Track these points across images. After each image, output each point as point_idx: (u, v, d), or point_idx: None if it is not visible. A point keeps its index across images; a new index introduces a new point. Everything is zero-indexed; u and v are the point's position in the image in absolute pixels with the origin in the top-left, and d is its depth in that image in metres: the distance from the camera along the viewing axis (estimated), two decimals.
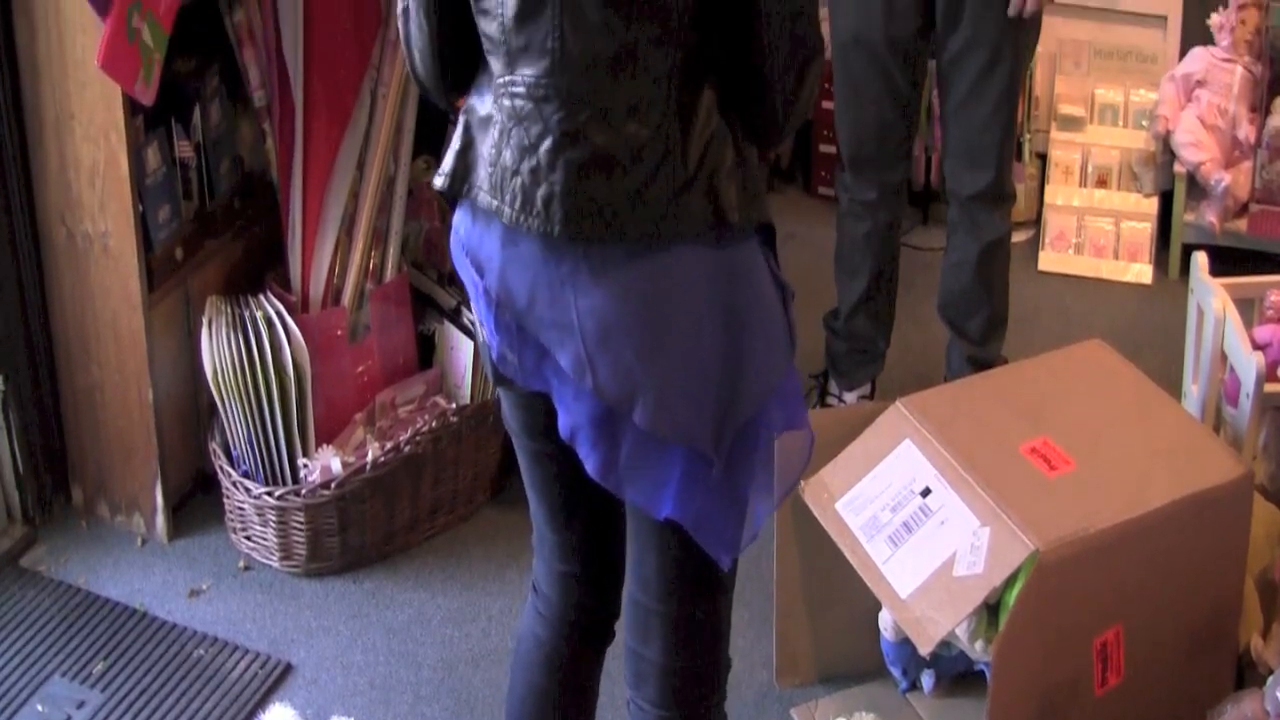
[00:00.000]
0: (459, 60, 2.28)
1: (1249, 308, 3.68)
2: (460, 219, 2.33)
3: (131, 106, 3.41)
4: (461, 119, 2.30)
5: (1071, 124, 5.16)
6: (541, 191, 2.17)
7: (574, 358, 2.23)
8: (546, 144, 2.15)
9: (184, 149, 3.65)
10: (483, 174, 2.24)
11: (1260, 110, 4.76)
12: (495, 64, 2.19)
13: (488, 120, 2.23)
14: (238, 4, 3.67)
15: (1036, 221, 5.13)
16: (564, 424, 2.30)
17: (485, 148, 2.24)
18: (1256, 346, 3.44)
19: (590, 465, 2.29)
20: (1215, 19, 4.88)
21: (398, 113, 3.82)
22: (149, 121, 3.54)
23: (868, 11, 3.70)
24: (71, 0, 3.30)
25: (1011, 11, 3.61)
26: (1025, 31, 3.72)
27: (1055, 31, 4.90)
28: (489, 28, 2.17)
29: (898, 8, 3.67)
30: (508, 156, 2.19)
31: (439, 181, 2.32)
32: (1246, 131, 4.77)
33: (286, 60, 3.68)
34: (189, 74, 3.67)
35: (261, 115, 3.77)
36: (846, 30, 3.77)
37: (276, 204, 3.81)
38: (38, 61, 3.42)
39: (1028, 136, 5.08)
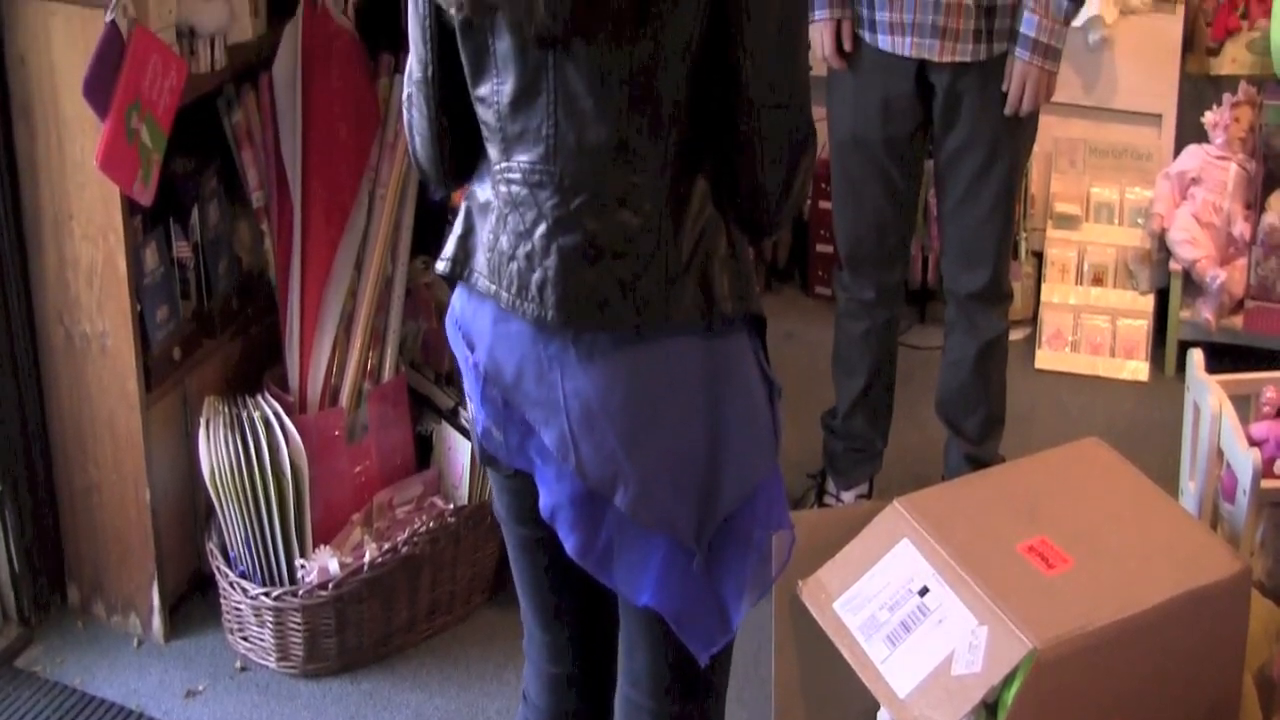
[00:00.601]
0: (460, 147, 2.31)
1: (1245, 404, 3.69)
2: (457, 297, 2.36)
3: (130, 207, 3.42)
4: (463, 205, 2.33)
5: (1067, 222, 5.18)
6: (536, 277, 2.18)
7: (558, 437, 2.23)
8: (541, 230, 2.17)
9: (182, 249, 3.66)
10: (482, 259, 2.26)
11: (1255, 207, 4.78)
12: (493, 151, 2.22)
13: (487, 206, 2.25)
14: (236, 105, 3.70)
15: (1033, 320, 5.13)
16: (545, 503, 2.31)
17: (484, 233, 2.26)
18: (1253, 443, 3.44)
19: (569, 545, 2.29)
20: (1209, 117, 4.91)
21: (395, 212, 3.84)
22: (147, 221, 3.56)
23: (865, 112, 3.72)
24: (71, 101, 3.32)
25: (1008, 111, 3.63)
26: (1022, 131, 3.74)
27: (1050, 130, 4.93)
28: (486, 115, 2.19)
29: (895, 108, 3.69)
30: (504, 242, 2.21)
31: (440, 266, 2.34)
32: (1241, 228, 4.79)
33: (285, 161, 3.70)
34: (188, 174, 3.69)
35: (260, 215, 3.79)
36: (844, 131, 3.79)
37: (274, 304, 3.82)
38: (37, 162, 3.44)
39: (1024, 235, 5.09)
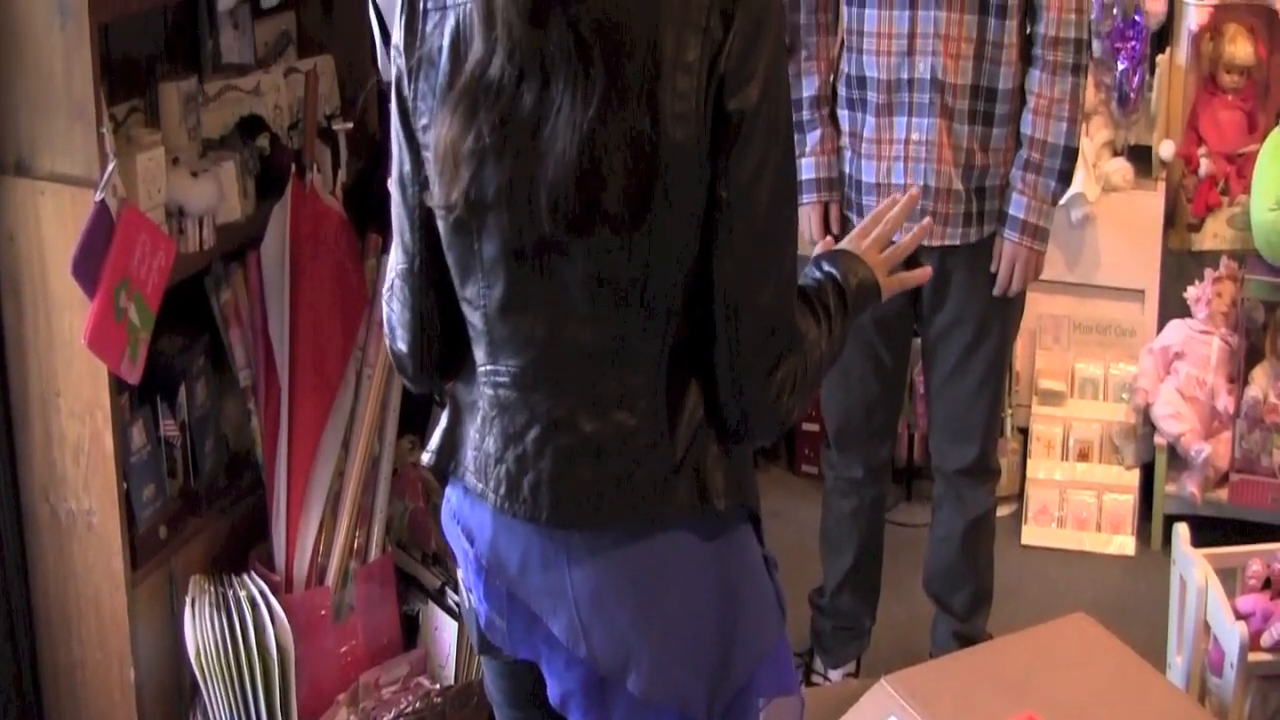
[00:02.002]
0: (445, 342, 2.30)
1: (1231, 577, 3.68)
2: (452, 490, 2.34)
3: (117, 384, 3.43)
4: (449, 397, 2.32)
5: (1052, 398, 5.20)
6: (529, 479, 2.18)
7: (567, 625, 2.22)
8: (534, 432, 2.17)
9: (169, 427, 3.66)
10: (469, 456, 2.26)
11: (1238, 380, 4.80)
12: (479, 352, 2.21)
13: (472, 405, 2.25)
14: (224, 284, 3.72)
15: (1019, 495, 5.14)
16: (554, 692, 2.29)
17: (470, 430, 2.25)
18: (1239, 616, 3.44)
19: None
20: (1192, 292, 4.95)
21: (383, 392, 3.85)
22: (135, 399, 3.56)
23: None
24: (59, 279, 3.34)
25: (997, 291, 3.66)
26: (1010, 309, 3.77)
27: (1035, 307, 4.97)
28: (472, 317, 2.19)
29: None
30: (490, 444, 2.21)
31: (426, 458, 2.34)
32: (1225, 402, 4.81)
33: (273, 340, 3.72)
34: (175, 352, 3.70)
35: (247, 394, 3.80)
36: None
37: (261, 482, 3.82)
38: (24, 339, 3.45)
39: (1009, 411, 5.11)
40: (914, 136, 3.55)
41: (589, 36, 1.99)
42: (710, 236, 2.08)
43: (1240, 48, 4.95)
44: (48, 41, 3.30)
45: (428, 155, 2.13)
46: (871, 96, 3.58)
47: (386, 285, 2.34)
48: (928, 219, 2.96)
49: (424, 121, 2.14)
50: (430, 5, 2.13)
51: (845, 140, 3.68)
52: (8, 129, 3.37)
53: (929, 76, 3.50)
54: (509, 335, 2.15)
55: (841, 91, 3.66)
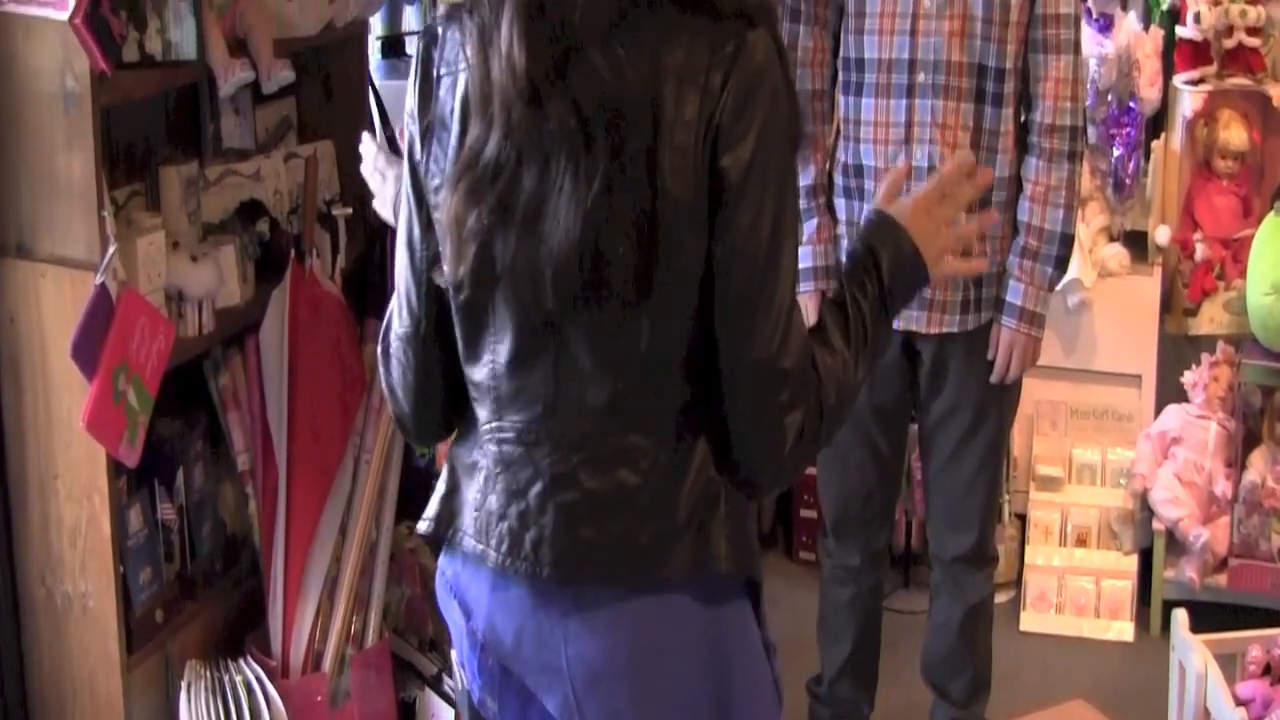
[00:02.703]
0: (446, 402, 2.30)
1: (1231, 663, 3.67)
2: (446, 562, 2.33)
3: (115, 467, 3.43)
4: (446, 464, 2.32)
5: (1050, 484, 5.19)
6: (530, 535, 2.17)
7: (562, 702, 2.21)
8: (537, 488, 2.17)
9: (167, 511, 3.66)
10: (468, 519, 2.25)
11: (1236, 465, 4.80)
12: (482, 411, 2.22)
13: (473, 466, 2.25)
14: (223, 368, 3.73)
15: (1017, 582, 5.12)
16: None
17: (470, 493, 2.25)
18: (1239, 702, 3.43)
19: None
20: (1189, 376, 4.96)
21: (380, 477, 3.85)
22: (132, 482, 3.56)
23: None
24: (59, 361, 3.34)
25: (994, 379, 3.66)
26: (1008, 395, 3.77)
27: (1032, 393, 4.97)
28: (478, 374, 2.20)
29: (882, 377, 3.70)
30: (493, 501, 2.21)
31: (423, 526, 2.33)
32: (1223, 487, 4.81)
33: (271, 424, 3.72)
34: (173, 435, 3.70)
35: (245, 478, 3.80)
36: None
37: (258, 567, 3.81)
38: (23, 420, 3.45)
39: (1007, 497, 5.10)
40: None
41: (589, 113, 2.02)
42: (710, 292, 2.09)
43: (1234, 133, 4.97)
44: (51, 125, 3.32)
45: (438, 218, 2.15)
46: (868, 185, 3.59)
47: (381, 347, 2.34)
48: (993, 210, 2.83)
49: (435, 183, 2.16)
50: (443, 70, 2.16)
51: (842, 228, 3.69)
52: (10, 211, 3.39)
53: (926, 165, 3.51)
54: (515, 391, 2.16)
55: (838, 180, 3.68)
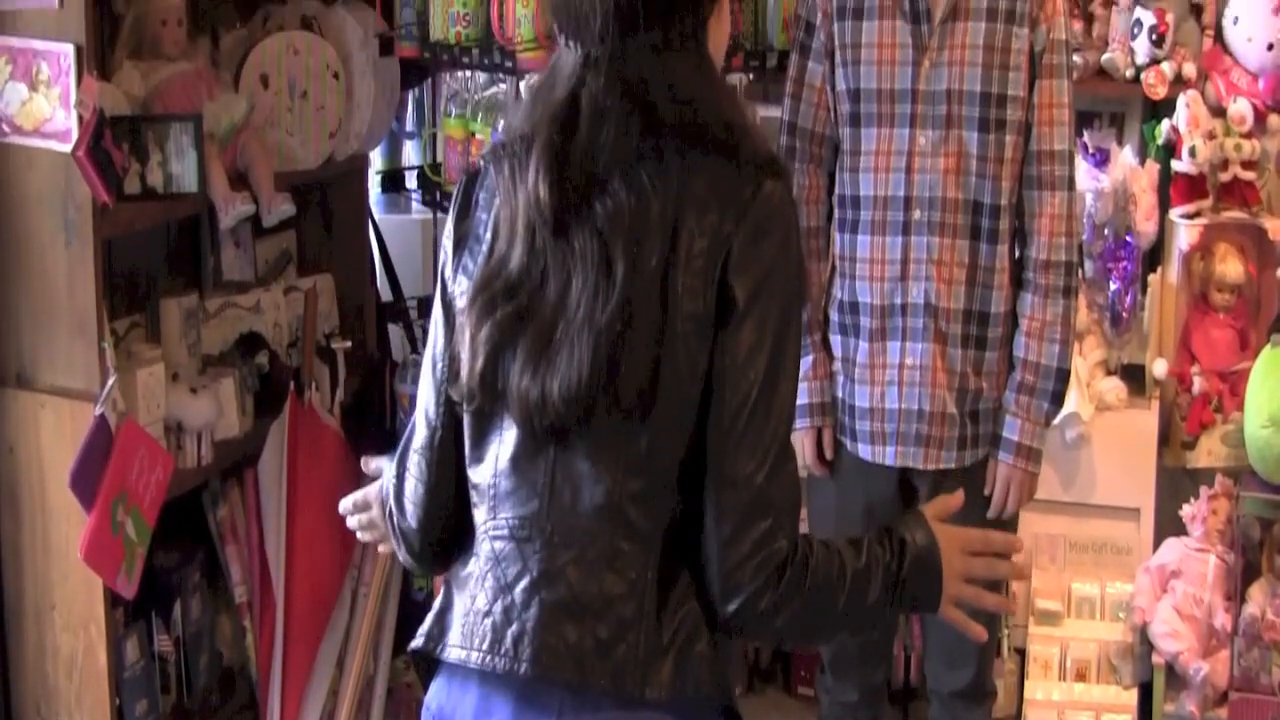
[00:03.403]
0: (454, 517, 2.31)
1: None
2: (433, 693, 2.32)
3: (112, 599, 3.43)
4: (443, 584, 2.33)
5: (1049, 618, 5.16)
6: (513, 629, 2.18)
7: None
8: (523, 583, 2.18)
9: (164, 643, 3.65)
10: (456, 628, 2.25)
11: (1235, 598, 4.78)
12: (480, 514, 2.23)
13: (467, 578, 2.25)
14: (221, 500, 3.74)
15: (1017, 717, 5.08)
16: None
17: (462, 601, 2.25)
18: None
19: None
20: (1187, 510, 4.95)
21: (378, 610, 3.85)
22: (129, 614, 3.56)
23: (848, 518, 3.70)
24: (57, 491, 3.35)
25: (992, 514, 3.65)
26: (1004, 530, 3.75)
27: (1031, 526, 4.96)
28: (480, 476, 2.22)
29: (878, 513, 3.64)
30: (482, 600, 2.21)
31: (416, 642, 2.33)
32: (1223, 620, 4.78)
33: (269, 557, 3.73)
34: (171, 567, 3.70)
35: (242, 610, 3.80)
36: (826, 536, 3.78)
37: (255, 699, 3.80)
38: (21, 550, 3.46)
39: (1005, 632, 5.08)
40: (908, 361, 3.56)
41: (611, 239, 2.10)
42: (705, 409, 2.12)
43: (1231, 266, 4.99)
44: (52, 257, 3.35)
45: (460, 321, 2.20)
46: (865, 321, 3.60)
47: (397, 463, 2.36)
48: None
49: (461, 292, 2.22)
50: (482, 195, 2.24)
51: (837, 365, 3.70)
52: (10, 342, 3.41)
53: (923, 301, 3.53)
54: (513, 488, 2.18)
55: (834, 317, 3.69)
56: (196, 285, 3.92)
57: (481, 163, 2.28)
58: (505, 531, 2.20)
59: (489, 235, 2.19)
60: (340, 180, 4.34)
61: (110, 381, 3.28)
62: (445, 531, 2.34)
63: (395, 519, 2.39)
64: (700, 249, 2.09)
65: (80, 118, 3.27)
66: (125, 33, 3.70)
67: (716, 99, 2.20)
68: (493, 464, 2.20)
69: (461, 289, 2.21)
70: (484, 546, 2.22)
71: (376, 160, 5.42)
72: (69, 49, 3.29)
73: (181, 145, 3.58)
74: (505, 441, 2.18)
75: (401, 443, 2.37)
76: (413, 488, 2.34)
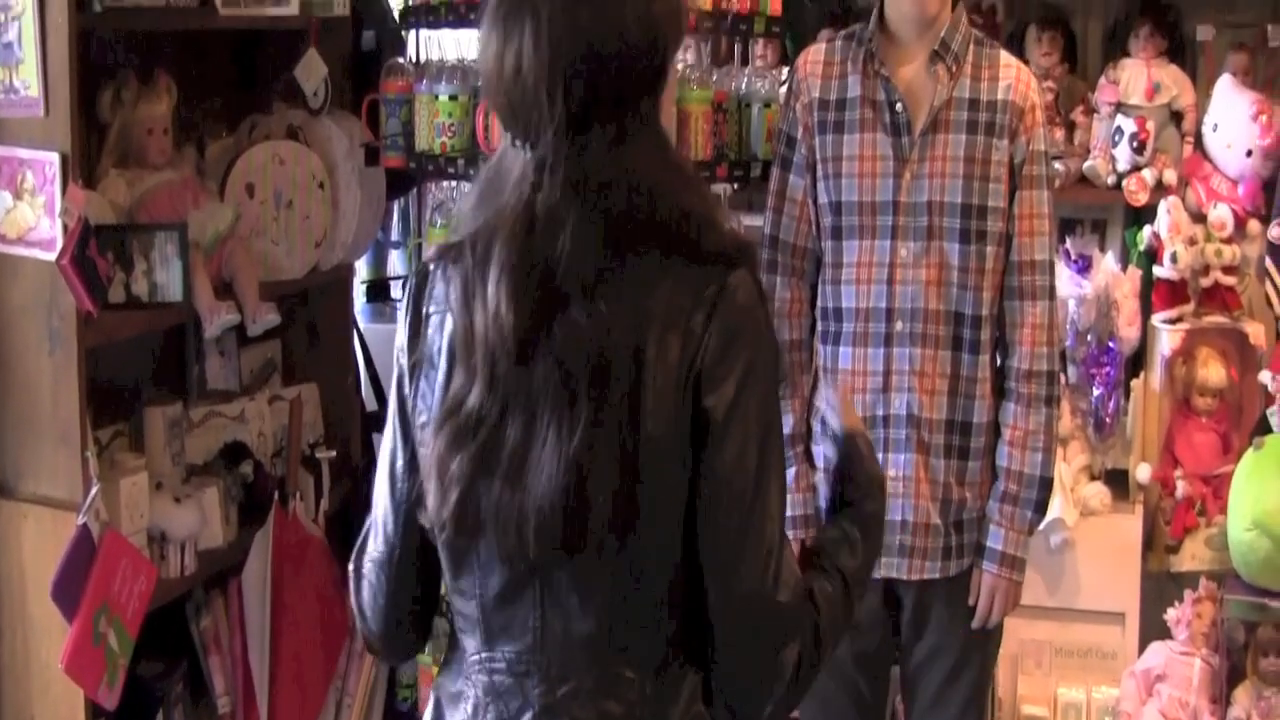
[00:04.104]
0: (416, 623, 2.31)
1: None
2: None
3: (94, 710, 3.41)
4: (431, 695, 2.31)
5: None
6: None
7: None
8: (526, 717, 2.16)
9: None
10: None
11: (1220, 702, 4.77)
12: (470, 641, 2.21)
13: (458, 696, 2.23)
14: (205, 610, 3.72)
15: None
16: None
17: None
18: None
19: None
20: (1172, 614, 4.94)
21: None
22: None
23: None
24: (39, 602, 3.34)
25: (976, 623, 3.64)
26: (990, 639, 3.74)
27: (1016, 633, 4.95)
28: (466, 608, 2.20)
29: (864, 625, 3.64)
30: None
31: None
32: None
33: (252, 668, 3.71)
34: (154, 677, 3.68)
35: None
36: None
37: None
38: (1, 661, 3.44)
39: None
40: (891, 472, 3.56)
41: (574, 369, 2.05)
42: (694, 529, 2.10)
43: (1213, 371, 5.01)
44: (36, 366, 3.36)
45: (424, 453, 2.16)
46: None
47: (353, 566, 2.33)
48: None
49: (423, 419, 2.17)
50: (432, 308, 2.19)
51: (820, 476, 3.70)
52: None
53: (905, 413, 3.53)
54: (504, 625, 2.16)
55: (816, 428, 3.68)
56: (181, 394, 3.92)
57: (430, 266, 2.22)
58: (503, 666, 2.17)
59: (444, 362, 2.14)
60: (325, 290, 4.35)
61: (93, 491, 3.27)
62: (411, 634, 2.34)
63: (358, 623, 2.37)
64: (667, 375, 2.06)
65: (65, 226, 3.28)
66: (111, 141, 3.72)
67: (676, 185, 2.14)
68: (477, 598, 2.17)
69: (422, 417, 2.17)
70: (480, 676, 2.20)
71: (362, 270, 5.44)
72: (54, 158, 3.30)
73: (167, 254, 3.59)
74: (487, 575, 2.15)
75: (358, 543, 2.34)
76: (370, 598, 2.31)
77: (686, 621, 2.15)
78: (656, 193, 2.11)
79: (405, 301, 2.25)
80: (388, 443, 2.27)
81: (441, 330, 2.16)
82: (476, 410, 2.08)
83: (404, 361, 2.23)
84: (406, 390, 2.22)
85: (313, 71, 4.09)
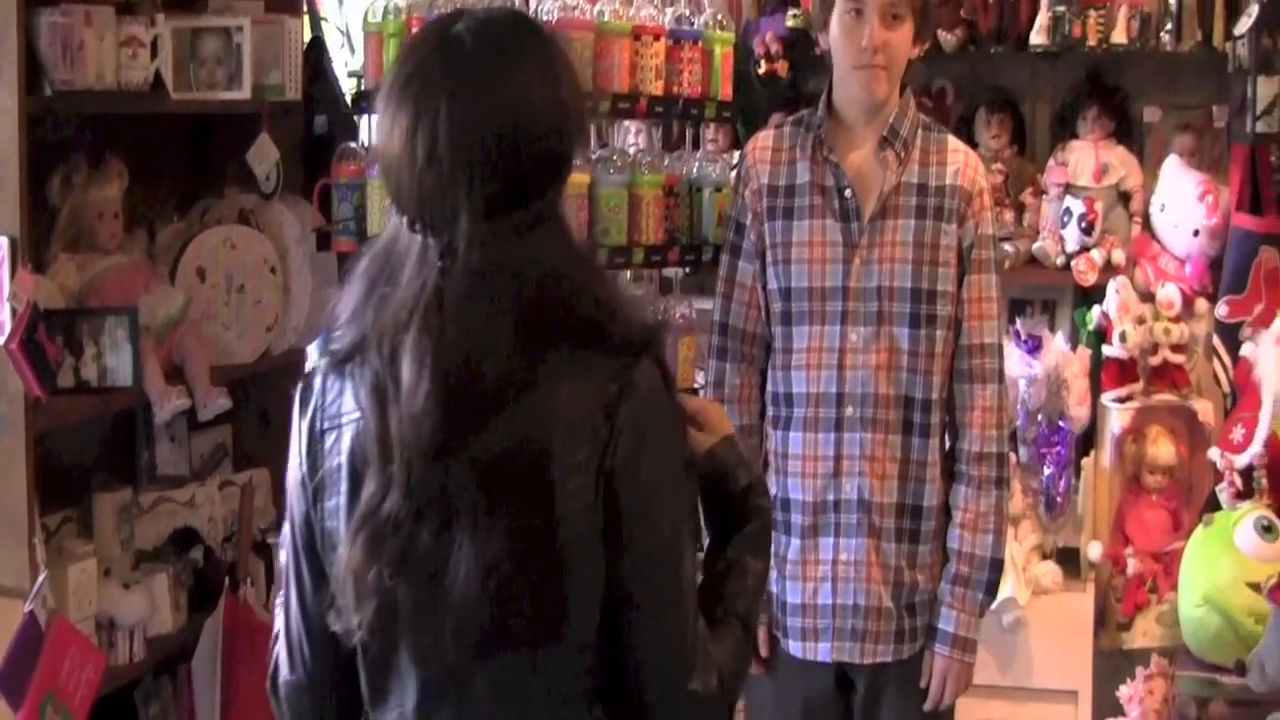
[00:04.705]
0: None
1: None
2: None
3: None
4: None
5: None
6: None
7: None
8: None
9: None
10: None
11: None
12: None
13: None
14: (154, 697, 3.71)
15: None
16: None
17: None
18: None
19: None
20: (1124, 690, 4.94)
21: None
22: None
23: (787, 716, 3.71)
24: None
25: (929, 706, 3.63)
26: (941, 718, 3.75)
27: (970, 712, 4.92)
28: (387, 718, 2.17)
29: (817, 710, 3.67)
30: None
31: None
32: None
33: None
34: None
35: None
36: None
37: None
38: None
39: None
40: (842, 557, 3.56)
41: (488, 471, 2.03)
42: (613, 624, 2.10)
43: (1163, 449, 5.04)
44: None
45: (335, 573, 2.12)
46: (796, 519, 3.60)
47: (270, 687, 2.29)
48: None
49: (333, 535, 2.14)
50: (325, 425, 2.15)
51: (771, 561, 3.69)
52: None
53: (856, 497, 3.54)
54: None
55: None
56: (131, 480, 3.90)
57: (317, 378, 2.18)
58: None
59: (346, 477, 2.10)
60: (277, 374, 4.32)
61: (41, 578, 3.25)
62: None
63: None
64: (579, 475, 2.04)
65: (14, 310, 3.25)
66: (61, 225, 3.71)
67: (582, 273, 2.13)
68: (398, 710, 2.14)
69: (331, 526, 2.13)
70: None
71: (313, 354, 5.43)
72: (3, 241, 3.28)
73: (117, 339, 3.58)
74: (406, 686, 2.12)
75: (270, 667, 2.29)
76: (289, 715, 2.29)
77: (610, 714, 2.15)
78: (566, 279, 2.09)
79: (295, 417, 2.21)
80: (291, 566, 2.23)
81: (339, 444, 2.12)
82: (393, 515, 2.03)
83: (301, 480, 2.18)
84: (310, 509, 2.17)
85: (265, 156, 4.09)
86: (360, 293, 2.12)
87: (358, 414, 2.09)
